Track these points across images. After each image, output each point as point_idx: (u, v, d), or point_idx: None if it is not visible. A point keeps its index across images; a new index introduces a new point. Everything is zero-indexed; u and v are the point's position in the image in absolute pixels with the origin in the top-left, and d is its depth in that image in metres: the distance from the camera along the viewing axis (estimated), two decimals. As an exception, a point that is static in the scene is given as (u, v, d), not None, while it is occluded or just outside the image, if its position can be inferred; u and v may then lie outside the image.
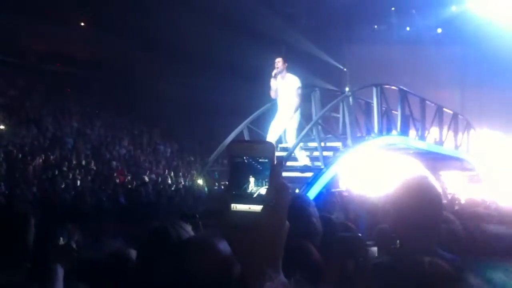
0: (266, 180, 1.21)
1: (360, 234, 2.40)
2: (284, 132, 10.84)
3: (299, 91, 10.25)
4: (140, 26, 24.81)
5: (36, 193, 12.83)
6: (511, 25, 23.60)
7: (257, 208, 1.20)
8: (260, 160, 1.21)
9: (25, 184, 13.46)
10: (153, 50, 25.27)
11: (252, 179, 1.22)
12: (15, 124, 18.80)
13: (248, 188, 1.21)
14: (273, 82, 10.26)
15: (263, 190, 1.21)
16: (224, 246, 1.70)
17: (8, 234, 3.18)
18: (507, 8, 23.36)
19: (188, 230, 2.68)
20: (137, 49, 25.10)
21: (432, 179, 2.39)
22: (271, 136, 10.42)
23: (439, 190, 2.37)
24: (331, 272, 2.16)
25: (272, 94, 10.38)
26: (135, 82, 25.79)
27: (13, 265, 3.13)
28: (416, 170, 13.46)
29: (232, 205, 1.21)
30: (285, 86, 10.23)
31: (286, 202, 1.22)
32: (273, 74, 10.19)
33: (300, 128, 10.92)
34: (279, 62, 10.19)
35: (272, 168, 1.20)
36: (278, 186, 1.21)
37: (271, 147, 1.23)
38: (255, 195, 1.21)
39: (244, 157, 1.22)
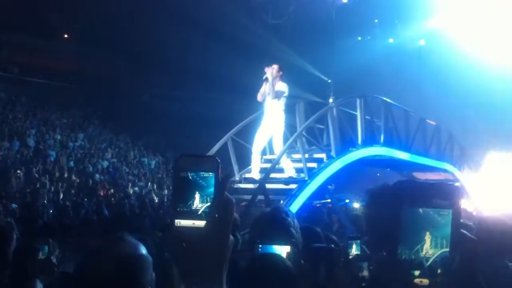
0: (211, 196, 1.21)
1: (333, 245, 2.40)
2: (269, 143, 10.79)
3: (284, 99, 10.17)
4: (125, 39, 24.77)
5: (18, 207, 12.68)
6: (492, 39, 23.91)
7: (201, 223, 1.20)
8: (205, 175, 1.22)
9: (7, 198, 13.29)
10: (138, 62, 25.23)
11: (197, 195, 1.21)
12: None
13: (193, 204, 1.21)
14: (264, 85, 10.16)
15: (207, 207, 1.20)
16: None
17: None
18: (486, 22, 23.65)
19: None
20: (121, 62, 25.06)
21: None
22: (257, 145, 10.38)
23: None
24: (302, 282, 2.16)
25: (259, 97, 10.23)
26: (119, 95, 25.71)
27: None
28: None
29: (176, 220, 1.21)
30: (274, 92, 10.08)
31: (230, 217, 1.22)
32: (264, 77, 10.11)
33: (285, 139, 10.92)
34: (274, 68, 10.05)
35: (217, 183, 1.21)
36: (222, 201, 1.21)
37: (216, 162, 1.24)
38: (200, 212, 1.21)
39: (189, 172, 1.22)
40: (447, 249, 1.10)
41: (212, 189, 1.21)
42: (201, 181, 1.22)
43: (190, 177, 1.22)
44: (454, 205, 1.11)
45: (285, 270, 1.98)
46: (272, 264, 2.01)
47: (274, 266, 1.99)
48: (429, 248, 1.09)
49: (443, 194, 1.12)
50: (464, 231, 1.21)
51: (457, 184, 16.06)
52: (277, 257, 2.08)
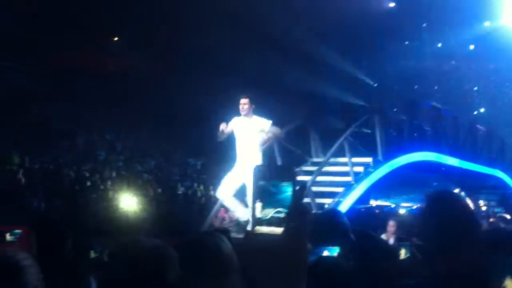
0: (287, 204, 1.22)
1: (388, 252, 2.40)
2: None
3: (272, 128, 8.14)
4: (177, 43, 25.07)
5: (70, 206, 13.01)
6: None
7: (279, 230, 1.22)
8: (283, 184, 1.24)
9: (59, 197, 13.64)
10: (189, 66, 25.49)
11: (274, 203, 1.24)
12: (48, 136, 19.09)
13: (271, 212, 1.24)
14: (233, 123, 8.31)
15: (283, 214, 1.23)
16: None
17: (47, 248, 3.26)
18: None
19: (227, 242, 2.68)
20: (172, 64, 25.35)
21: (458, 195, 2.38)
22: (226, 190, 8.16)
23: (469, 205, 2.34)
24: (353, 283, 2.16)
25: (221, 137, 8.24)
26: (168, 96, 26.03)
27: (49, 277, 3.20)
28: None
29: (257, 227, 1.24)
30: (251, 129, 8.16)
31: (306, 225, 1.22)
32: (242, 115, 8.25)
33: (331, 144, 10.89)
34: (245, 104, 8.16)
35: (294, 192, 1.22)
36: (299, 209, 1.21)
37: (293, 172, 1.26)
38: (277, 219, 1.23)
39: (268, 182, 1.24)
40: None
41: (288, 197, 1.24)
42: (278, 189, 1.25)
43: (268, 186, 1.25)
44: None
45: (339, 273, 2.00)
46: (326, 267, 2.04)
47: (328, 270, 2.02)
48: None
49: None
50: None
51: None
52: (331, 259, 2.10)
